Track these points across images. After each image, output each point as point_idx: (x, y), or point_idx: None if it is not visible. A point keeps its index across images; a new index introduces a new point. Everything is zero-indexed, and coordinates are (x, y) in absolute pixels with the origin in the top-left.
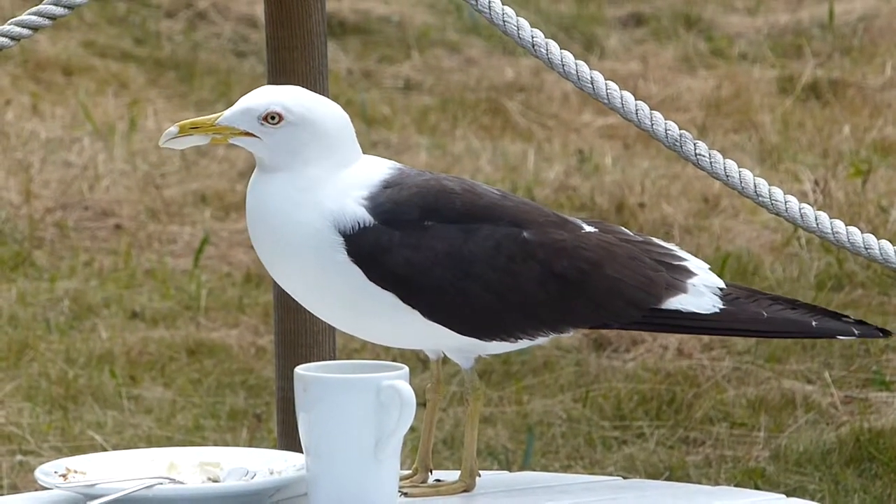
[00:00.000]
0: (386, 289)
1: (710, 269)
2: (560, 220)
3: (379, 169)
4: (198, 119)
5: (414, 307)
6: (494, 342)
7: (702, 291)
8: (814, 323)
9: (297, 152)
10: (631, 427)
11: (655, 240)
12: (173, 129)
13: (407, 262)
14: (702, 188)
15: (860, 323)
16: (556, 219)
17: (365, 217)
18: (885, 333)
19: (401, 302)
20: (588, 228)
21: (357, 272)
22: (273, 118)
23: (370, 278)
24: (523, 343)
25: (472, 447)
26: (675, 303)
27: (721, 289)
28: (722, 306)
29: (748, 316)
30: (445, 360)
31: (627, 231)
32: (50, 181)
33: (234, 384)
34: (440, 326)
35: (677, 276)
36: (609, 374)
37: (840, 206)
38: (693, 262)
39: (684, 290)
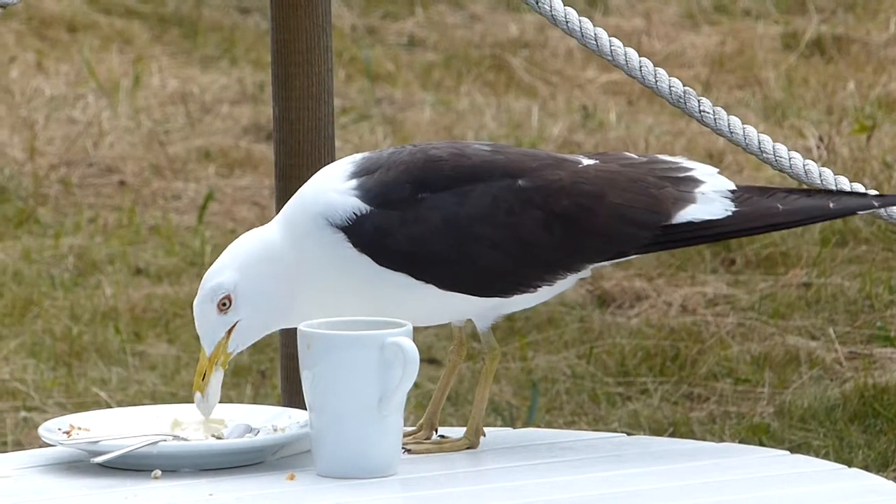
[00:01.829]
0: (397, 270)
1: (719, 172)
2: (555, 161)
3: (343, 165)
4: (197, 369)
5: (428, 282)
6: (516, 296)
7: (711, 198)
8: (831, 204)
9: (269, 290)
10: (635, 383)
11: (660, 156)
12: (196, 396)
13: (410, 240)
14: (706, 144)
15: (879, 195)
16: (550, 160)
17: (359, 205)
18: None
19: (414, 280)
20: (587, 162)
21: (366, 261)
22: (225, 304)
23: (379, 263)
24: (544, 291)
25: (481, 406)
26: (686, 215)
27: (732, 191)
28: (735, 208)
29: (763, 211)
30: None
31: (631, 154)
32: (54, 138)
33: None
34: (459, 294)
35: (684, 188)
36: (613, 331)
37: (844, 162)
38: (700, 170)
39: (693, 201)
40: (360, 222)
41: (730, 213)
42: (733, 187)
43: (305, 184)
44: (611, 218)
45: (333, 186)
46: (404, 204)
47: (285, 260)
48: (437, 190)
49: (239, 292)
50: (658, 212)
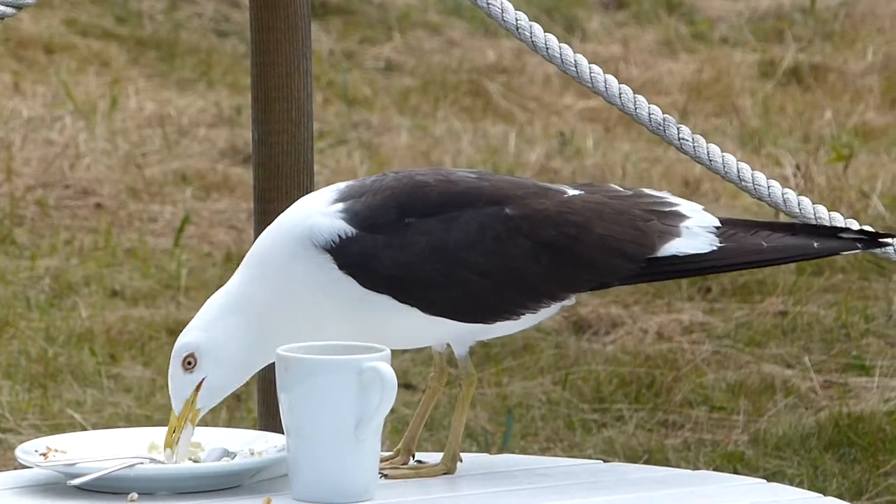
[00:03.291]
0: (381, 292)
1: (704, 209)
2: (541, 190)
3: (325, 192)
4: (170, 425)
5: (412, 305)
6: (498, 323)
7: (696, 233)
8: (815, 244)
9: (232, 348)
10: (610, 410)
11: (646, 190)
12: (166, 452)
13: (395, 263)
14: (683, 172)
15: (862, 233)
16: (536, 189)
17: (345, 228)
18: (888, 237)
19: (398, 303)
20: (571, 192)
21: (350, 283)
22: (189, 363)
23: (364, 285)
24: (527, 319)
25: (458, 431)
26: (671, 248)
27: (717, 227)
28: (720, 244)
29: (747, 248)
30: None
31: (616, 187)
32: (31, 159)
33: None
34: (442, 319)
35: (669, 222)
36: (588, 357)
37: (821, 191)
38: (686, 206)
39: (678, 235)
40: (346, 244)
41: (714, 249)
42: (718, 223)
43: (282, 214)
44: (597, 249)
45: (318, 209)
46: (390, 228)
47: (253, 302)
48: (424, 215)
49: (202, 351)
50: (643, 244)
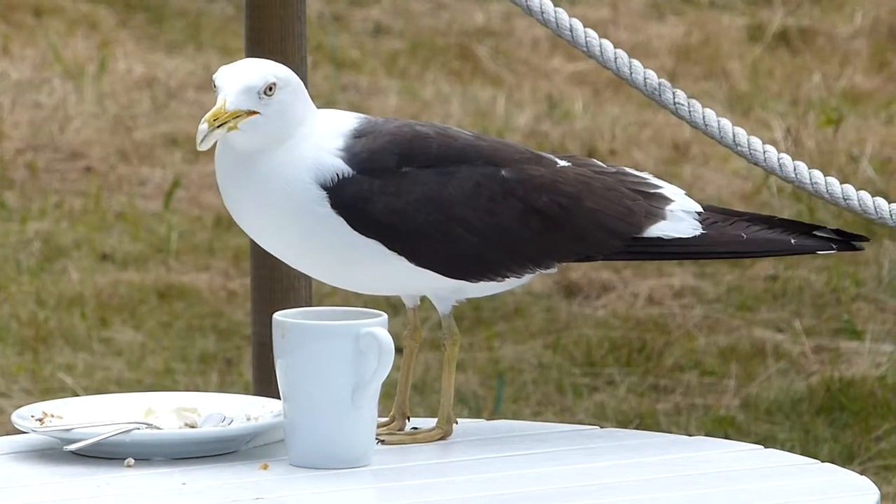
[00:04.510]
0: (370, 237)
1: (686, 193)
2: (535, 157)
3: (346, 120)
4: (214, 111)
5: (399, 253)
6: (481, 282)
7: (681, 217)
8: (793, 241)
9: (290, 116)
10: (601, 374)
11: (628, 169)
12: (203, 126)
13: (388, 210)
14: (672, 135)
15: (838, 233)
16: (531, 155)
17: (343, 168)
18: (861, 240)
19: (386, 249)
20: (562, 163)
21: (341, 222)
22: (270, 89)
23: (354, 227)
24: (510, 281)
25: (448, 393)
26: (656, 230)
27: (699, 213)
28: (702, 230)
29: (728, 238)
30: (421, 305)
31: (600, 163)
32: (20, 122)
33: (204, 328)
34: (426, 271)
35: (655, 204)
36: (579, 321)
37: (811, 155)
38: (668, 189)
39: (663, 217)
40: (342, 185)
41: (697, 234)
42: (700, 209)
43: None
44: (586, 221)
45: (326, 145)
46: (388, 174)
47: (305, 120)
48: (422, 165)
49: (280, 95)
50: (631, 223)
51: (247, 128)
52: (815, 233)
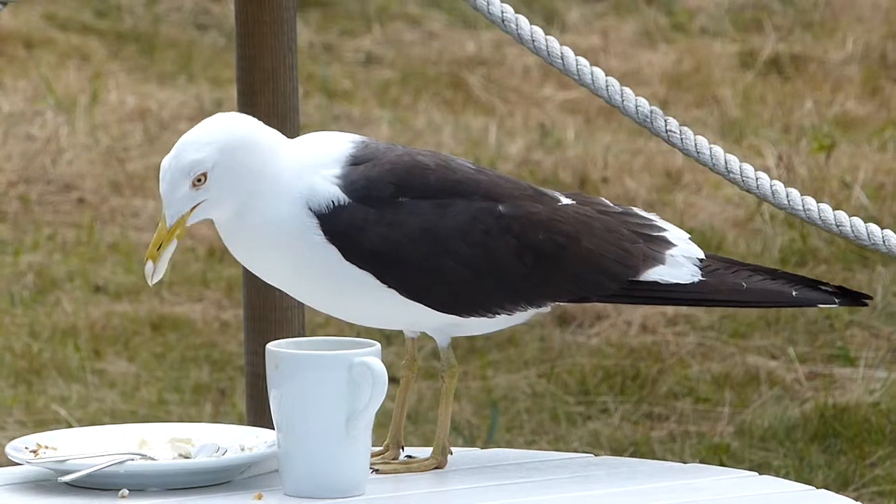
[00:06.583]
0: (362, 267)
1: (690, 239)
2: (536, 194)
3: (342, 144)
4: (155, 238)
5: (390, 286)
6: (472, 318)
7: (680, 262)
8: (794, 293)
9: (241, 180)
10: (595, 402)
11: (636, 210)
12: (148, 265)
13: (382, 240)
14: (664, 163)
15: (840, 289)
16: (531, 192)
17: (339, 195)
18: (865, 298)
19: (377, 281)
20: (565, 200)
21: (333, 251)
22: (200, 180)
23: (346, 257)
24: (501, 319)
25: (445, 424)
26: (654, 274)
27: (701, 259)
28: (701, 277)
29: (728, 287)
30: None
31: (607, 202)
32: (12, 155)
33: (197, 358)
34: (417, 304)
35: (655, 248)
36: (573, 350)
37: (803, 182)
38: (673, 233)
39: (662, 262)
40: (336, 213)
41: (696, 281)
42: (702, 256)
43: (317, 135)
44: (582, 262)
45: (321, 171)
46: (384, 204)
47: (269, 163)
48: (419, 197)
49: (216, 174)
50: (628, 265)
51: (201, 214)
52: (820, 287)
